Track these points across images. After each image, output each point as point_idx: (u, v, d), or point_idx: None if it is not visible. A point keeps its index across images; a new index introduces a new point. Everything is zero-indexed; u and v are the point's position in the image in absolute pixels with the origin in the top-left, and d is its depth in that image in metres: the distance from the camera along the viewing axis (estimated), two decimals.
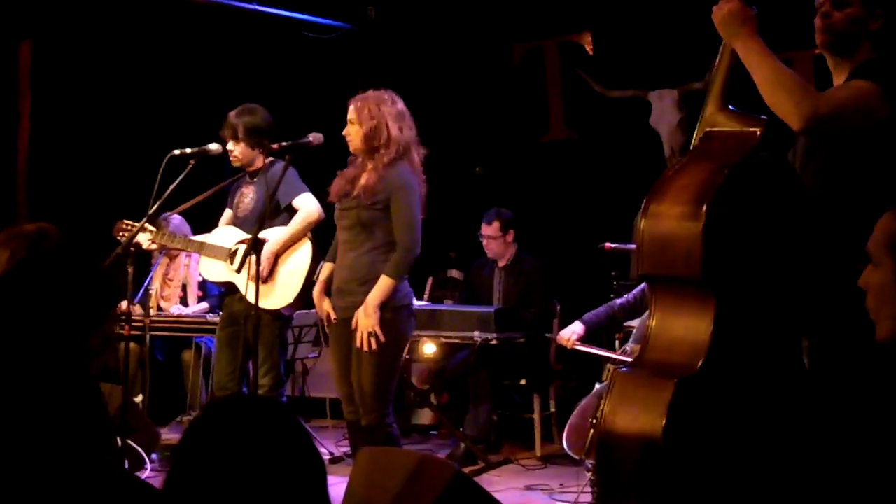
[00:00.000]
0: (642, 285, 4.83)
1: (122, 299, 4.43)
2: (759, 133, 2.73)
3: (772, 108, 2.64)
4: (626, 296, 5.13)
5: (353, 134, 4.15)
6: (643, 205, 2.73)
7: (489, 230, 6.20)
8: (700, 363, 2.57)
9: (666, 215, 2.69)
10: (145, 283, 6.21)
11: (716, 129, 2.80)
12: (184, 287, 6.64)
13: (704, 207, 2.59)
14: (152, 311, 6.33)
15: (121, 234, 4.66)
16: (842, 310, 2.58)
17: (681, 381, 2.54)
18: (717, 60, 2.80)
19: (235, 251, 4.62)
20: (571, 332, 5.25)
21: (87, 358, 2.12)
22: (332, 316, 4.23)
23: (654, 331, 2.73)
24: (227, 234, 4.71)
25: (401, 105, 4.23)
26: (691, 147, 2.85)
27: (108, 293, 2.20)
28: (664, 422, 2.50)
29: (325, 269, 4.35)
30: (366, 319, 4.01)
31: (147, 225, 4.59)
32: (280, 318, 4.59)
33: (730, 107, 2.81)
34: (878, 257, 1.82)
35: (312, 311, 5.48)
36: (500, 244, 6.23)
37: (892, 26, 2.74)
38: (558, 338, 5.39)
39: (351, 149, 4.20)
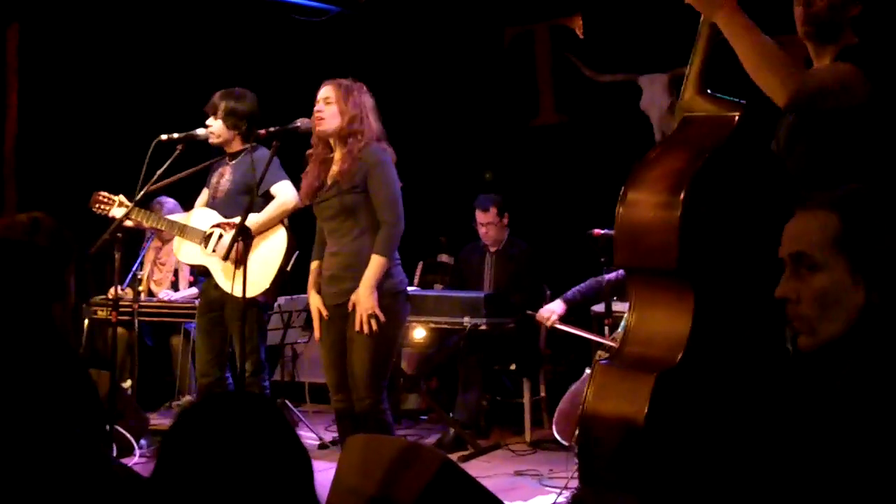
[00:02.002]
0: None
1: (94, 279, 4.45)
2: (736, 118, 2.68)
3: (757, 83, 2.59)
4: (617, 271, 5.11)
5: (331, 115, 4.11)
6: (621, 193, 2.69)
7: (487, 217, 6.18)
8: (679, 357, 2.55)
9: (642, 204, 2.64)
10: (133, 268, 6.19)
11: (693, 113, 2.76)
12: (175, 272, 6.62)
13: (681, 196, 2.55)
14: (143, 296, 6.32)
15: (97, 206, 4.66)
16: None
17: (661, 374, 2.52)
18: (695, 42, 2.75)
19: (210, 234, 4.60)
20: (551, 312, 5.34)
21: (55, 332, 2.11)
22: (324, 313, 4.21)
23: (633, 324, 2.71)
24: (203, 217, 4.69)
25: (373, 101, 4.24)
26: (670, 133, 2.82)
27: (56, 258, 2.20)
28: (645, 414, 2.49)
29: (314, 266, 4.32)
30: (364, 301, 3.99)
31: (122, 199, 4.59)
32: (256, 304, 4.56)
33: (708, 91, 2.76)
34: (822, 259, 1.76)
35: (300, 296, 5.48)
36: (499, 229, 6.22)
37: (870, 11, 2.71)
38: (538, 316, 5.45)
39: (320, 128, 4.12)
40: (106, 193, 4.67)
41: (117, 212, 4.60)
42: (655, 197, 2.62)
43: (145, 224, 4.78)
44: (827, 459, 1.73)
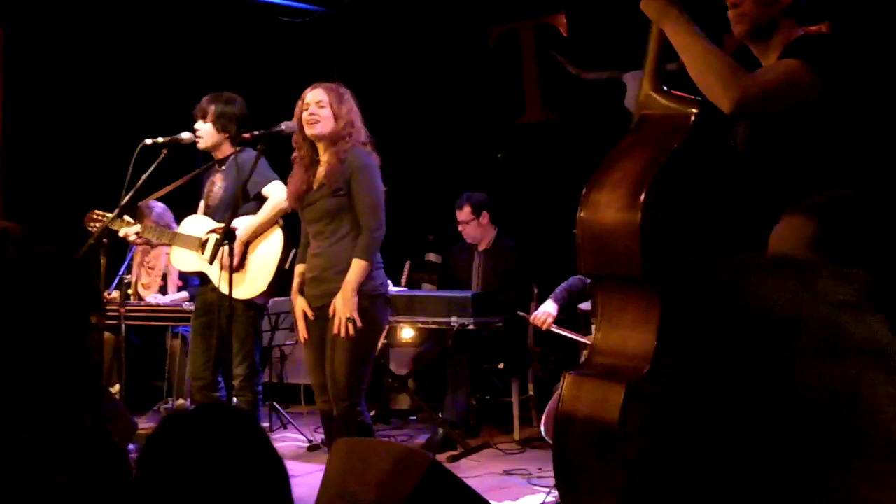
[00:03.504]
0: None
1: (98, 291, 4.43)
2: (693, 115, 2.61)
3: (702, 90, 2.53)
4: None
5: (326, 119, 4.13)
6: (581, 197, 2.61)
7: (461, 215, 6.21)
8: (647, 366, 2.47)
9: (602, 208, 2.57)
10: (120, 272, 6.17)
11: (650, 111, 2.69)
12: (164, 276, 6.60)
13: (641, 199, 2.47)
14: (132, 300, 6.30)
15: (91, 223, 4.64)
16: None
17: (631, 384, 2.46)
18: (648, 39, 2.69)
19: (206, 240, 4.60)
20: (546, 314, 5.30)
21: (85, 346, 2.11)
22: (310, 314, 4.21)
23: (601, 333, 2.64)
24: (197, 224, 4.69)
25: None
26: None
27: (86, 292, 2.19)
28: (617, 423, 2.44)
29: (299, 269, 4.33)
30: (344, 305, 4.01)
31: (127, 218, 4.58)
32: (254, 307, 4.57)
33: (664, 88, 2.70)
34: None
35: (287, 298, 5.47)
36: (476, 228, 6.23)
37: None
38: (533, 319, 5.43)
39: (314, 131, 4.13)
40: (99, 211, 4.66)
41: (130, 230, 4.62)
42: (615, 201, 2.54)
43: (155, 241, 4.78)
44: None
